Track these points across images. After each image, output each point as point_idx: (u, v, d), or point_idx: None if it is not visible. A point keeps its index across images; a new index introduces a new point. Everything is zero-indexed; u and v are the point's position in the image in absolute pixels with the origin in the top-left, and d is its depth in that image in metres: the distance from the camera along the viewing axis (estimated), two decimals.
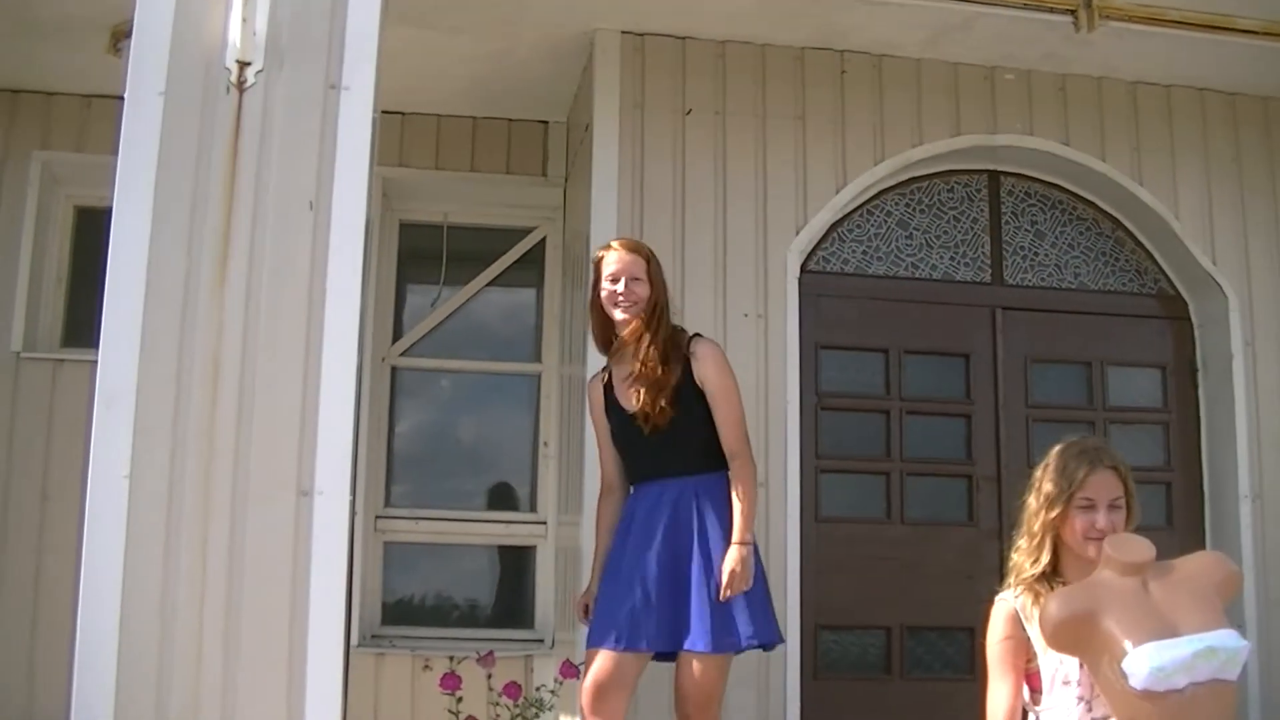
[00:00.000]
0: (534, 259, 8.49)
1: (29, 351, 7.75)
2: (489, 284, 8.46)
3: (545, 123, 8.43)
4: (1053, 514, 3.97)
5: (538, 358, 8.30)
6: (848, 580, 7.12)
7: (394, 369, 8.32)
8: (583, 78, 7.56)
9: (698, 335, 5.16)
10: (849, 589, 7.12)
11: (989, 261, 7.71)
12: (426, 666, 6.72)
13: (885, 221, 7.61)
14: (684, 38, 7.30)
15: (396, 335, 8.30)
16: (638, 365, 4.97)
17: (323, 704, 4.41)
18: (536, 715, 5.58)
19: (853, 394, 7.41)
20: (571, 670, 5.75)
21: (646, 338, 5.00)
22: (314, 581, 4.44)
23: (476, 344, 8.40)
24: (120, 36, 6.93)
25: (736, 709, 6.66)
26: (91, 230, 7.98)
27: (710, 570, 4.80)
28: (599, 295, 5.13)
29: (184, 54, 4.82)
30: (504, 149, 8.37)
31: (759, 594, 4.89)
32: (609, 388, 5.19)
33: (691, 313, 6.88)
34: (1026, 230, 7.80)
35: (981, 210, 7.78)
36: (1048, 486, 4.02)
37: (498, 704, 5.57)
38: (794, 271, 7.16)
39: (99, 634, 4.44)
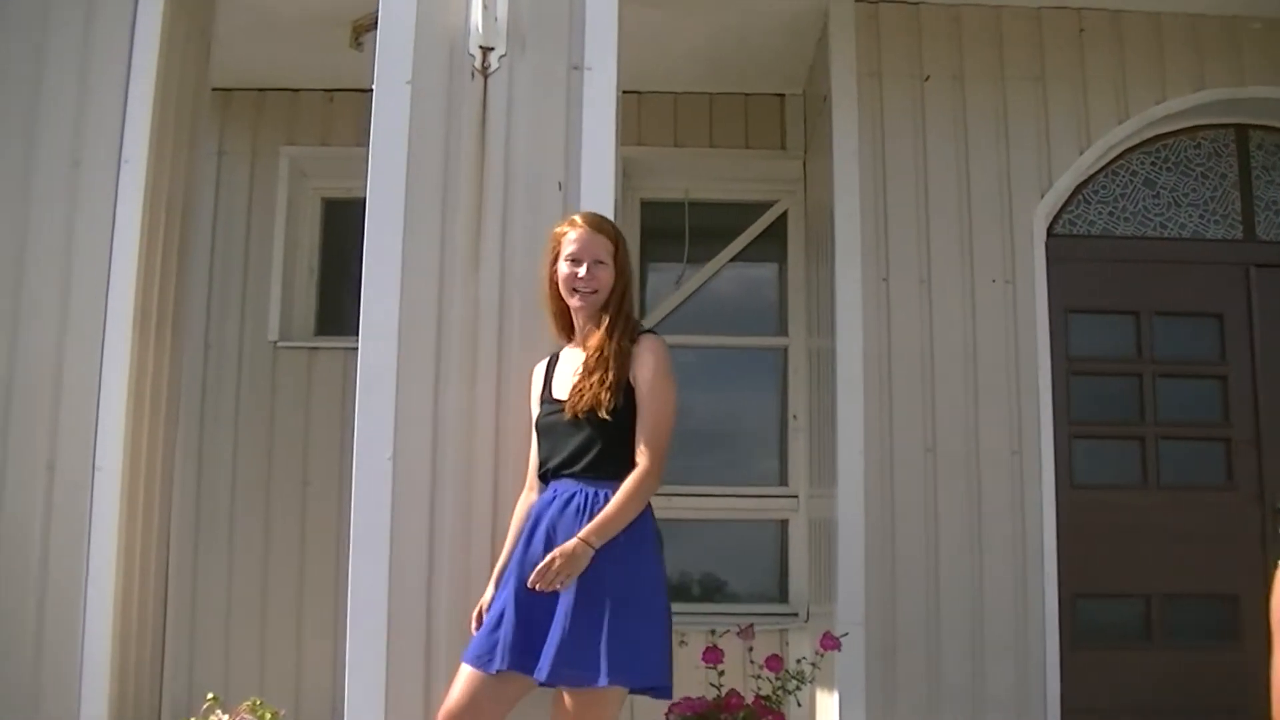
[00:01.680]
0: (776, 233, 8.45)
1: (285, 341, 8.00)
2: (732, 259, 8.46)
3: (782, 95, 8.40)
4: None
5: (784, 331, 8.25)
6: (1104, 547, 7.01)
7: None
8: (818, 49, 7.53)
9: (649, 332, 4.52)
10: (1105, 556, 7.01)
11: (1240, 218, 7.50)
12: (682, 642, 6.76)
13: (1131, 181, 7.45)
14: (917, 3, 7.25)
15: (641, 313, 8.30)
16: (590, 355, 4.38)
17: None
18: (798, 688, 5.55)
19: (1103, 358, 7.31)
20: (832, 642, 5.72)
21: (605, 327, 4.42)
22: None
23: (721, 319, 8.38)
24: (361, 31, 7.12)
25: (995, 680, 6.60)
26: (338, 221, 8.26)
27: (585, 590, 4.15)
28: (556, 275, 4.53)
29: (428, 42, 4.97)
30: (742, 123, 8.37)
31: (653, 631, 4.37)
32: (549, 373, 4.59)
33: (938, 281, 6.90)
34: (1278, 184, 7.56)
35: (1230, 165, 7.56)
36: None
37: (759, 677, 5.52)
38: (1040, 236, 7.08)
39: (369, 616, 4.59)
